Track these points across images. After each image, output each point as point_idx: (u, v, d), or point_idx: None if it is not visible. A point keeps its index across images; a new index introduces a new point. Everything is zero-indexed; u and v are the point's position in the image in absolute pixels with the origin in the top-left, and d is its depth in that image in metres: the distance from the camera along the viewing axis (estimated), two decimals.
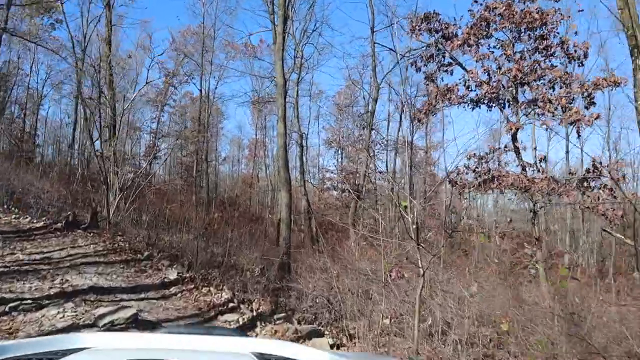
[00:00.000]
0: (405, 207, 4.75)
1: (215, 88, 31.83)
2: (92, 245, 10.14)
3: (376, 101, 16.01)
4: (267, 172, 39.65)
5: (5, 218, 11.25)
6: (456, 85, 8.56)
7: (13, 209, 11.85)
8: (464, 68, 8.93)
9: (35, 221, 11.25)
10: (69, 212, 11.65)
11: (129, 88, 14.26)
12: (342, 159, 36.53)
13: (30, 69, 34.98)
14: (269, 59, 23.49)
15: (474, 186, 7.28)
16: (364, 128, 23.16)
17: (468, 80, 8.97)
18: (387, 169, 24.73)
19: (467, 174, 8.25)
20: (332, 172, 31.30)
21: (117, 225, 12.38)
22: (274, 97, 20.94)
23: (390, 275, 5.49)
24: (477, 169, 8.00)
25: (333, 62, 71.08)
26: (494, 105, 8.57)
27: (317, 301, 6.47)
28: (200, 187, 28.38)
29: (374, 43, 15.70)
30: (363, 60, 20.13)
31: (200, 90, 25.35)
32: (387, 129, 15.78)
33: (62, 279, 7.66)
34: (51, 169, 21.33)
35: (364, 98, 22.98)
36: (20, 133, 30.03)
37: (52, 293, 6.97)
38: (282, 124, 13.47)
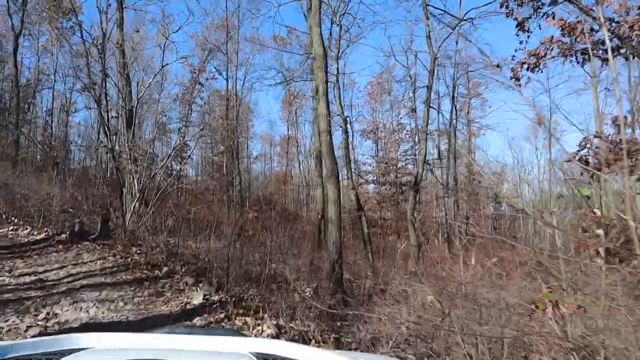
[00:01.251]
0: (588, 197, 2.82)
1: (243, 83, 30.25)
2: (99, 261, 8.28)
3: (433, 74, 13.63)
4: (301, 167, 38.55)
5: (1, 230, 9.52)
6: (579, 21, 6.21)
7: (13, 218, 10.11)
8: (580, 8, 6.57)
9: (35, 233, 9.49)
10: (76, 220, 9.84)
11: (144, 75, 12.29)
12: (377, 150, 34.66)
13: (54, 74, 34.71)
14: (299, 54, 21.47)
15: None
16: (413, 110, 20.86)
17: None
18: (439, 155, 22.27)
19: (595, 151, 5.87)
20: (369, 165, 28.82)
21: (133, 233, 10.53)
22: (303, 78, 19.10)
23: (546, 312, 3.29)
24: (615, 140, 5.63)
25: (372, 37, 66.46)
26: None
27: (411, 344, 4.30)
28: (233, 187, 26.72)
29: (426, 6, 13.34)
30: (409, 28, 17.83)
31: (227, 79, 23.46)
32: (427, 110, 13.30)
33: (48, 313, 5.79)
34: (71, 174, 19.91)
35: (410, 77, 20.62)
36: (48, 139, 29.60)
37: (28, 335, 5.06)
38: (323, 102, 11.32)
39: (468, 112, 27.53)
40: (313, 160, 40.16)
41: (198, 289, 7.49)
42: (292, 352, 1.73)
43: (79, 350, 1.58)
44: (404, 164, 30.84)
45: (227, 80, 24.04)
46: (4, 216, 10.18)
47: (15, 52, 26.80)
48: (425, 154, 13.32)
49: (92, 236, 9.60)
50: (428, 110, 13.40)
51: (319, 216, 23.48)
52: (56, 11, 36.63)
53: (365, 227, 13.96)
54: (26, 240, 9.15)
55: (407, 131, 30.91)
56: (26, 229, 9.64)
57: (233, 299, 7.30)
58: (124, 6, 15.51)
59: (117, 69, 13.50)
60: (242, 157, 31.36)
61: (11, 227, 9.62)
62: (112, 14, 13.64)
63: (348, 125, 15.47)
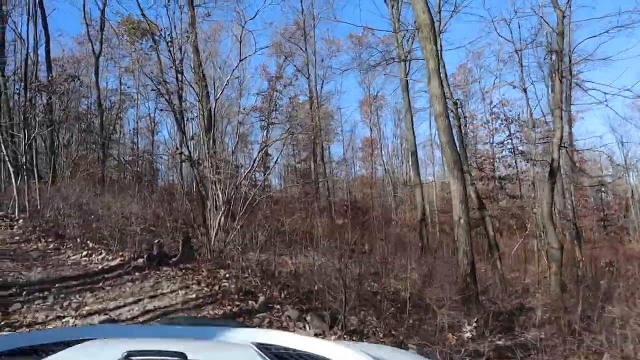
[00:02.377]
0: None
1: (321, 87, 28.90)
2: (181, 292, 6.76)
3: (562, 36, 11.04)
4: (385, 167, 37.07)
5: (74, 257, 8.36)
6: None
7: (88, 242, 8.94)
8: None
9: (110, 258, 8.21)
10: (155, 241, 8.47)
11: (220, 72, 10.89)
12: (464, 143, 31.97)
13: (137, 94, 35.67)
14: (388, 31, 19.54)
15: None
16: (524, 90, 18.11)
17: None
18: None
19: None
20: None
21: (221, 253, 9.03)
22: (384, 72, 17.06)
23: None
24: None
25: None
26: None
27: None
28: (319, 194, 25.25)
29: None
30: None
31: (307, 77, 21.96)
32: (560, 81, 10.66)
33: None
34: (155, 190, 19.21)
35: (517, 53, 17.89)
36: (134, 157, 30.22)
37: None
38: (435, 80, 9.27)
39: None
40: (401, 160, 38.20)
41: (306, 326, 5.72)
42: (293, 343, 1.75)
43: (81, 341, 1.58)
44: (500, 156, 28.14)
45: (307, 77, 22.48)
46: (78, 240, 9.05)
47: (97, 75, 27.19)
48: (562, 136, 10.75)
49: (173, 259, 8.17)
50: (561, 80, 10.84)
51: (420, 220, 21.37)
52: (135, 33, 37.39)
53: (490, 229, 11.66)
54: (99, 267, 7.87)
55: (501, 120, 28.20)
56: (100, 253, 8.41)
57: (353, 338, 5.47)
58: (194, 4, 14.43)
59: (191, 70, 12.29)
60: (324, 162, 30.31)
61: (85, 253, 8.42)
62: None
63: (460, 110, 13.09)
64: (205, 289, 6.96)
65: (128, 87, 35.43)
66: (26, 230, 9.41)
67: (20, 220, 9.85)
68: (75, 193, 10.51)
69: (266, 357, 1.49)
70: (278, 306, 6.86)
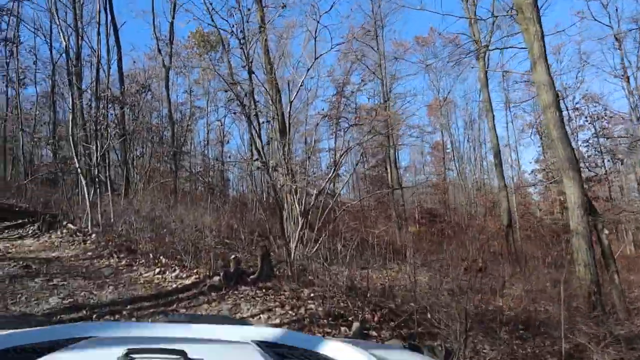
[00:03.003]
0: None
1: (389, 91, 27.79)
2: (262, 316, 5.97)
3: None
4: (458, 171, 36.12)
5: (147, 274, 7.79)
6: None
7: (160, 258, 8.38)
8: None
9: (184, 276, 7.57)
10: (231, 257, 7.76)
11: (295, 75, 10.14)
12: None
13: (207, 105, 36.48)
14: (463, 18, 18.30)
15: None
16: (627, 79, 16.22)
17: None
18: None
19: None
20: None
21: (303, 270, 8.21)
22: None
23: None
24: None
25: None
26: None
27: None
28: (394, 201, 24.12)
29: None
30: None
31: (381, 79, 20.92)
32: None
33: None
34: (227, 201, 18.85)
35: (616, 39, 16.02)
36: (205, 168, 30.67)
37: None
38: (541, 67, 8.06)
39: None
40: (474, 164, 36.30)
41: None
42: (294, 340, 1.74)
43: (80, 339, 1.58)
44: (585, 155, 25.99)
45: (381, 80, 21.46)
46: (151, 255, 8.51)
47: (167, 87, 27.57)
48: None
49: (251, 277, 7.40)
50: None
51: (506, 226, 19.86)
52: (204, 46, 38.07)
53: (604, 238, 10.12)
54: (173, 286, 7.24)
55: (585, 117, 25.95)
56: (174, 270, 7.79)
57: None
58: (263, 5, 13.84)
59: (263, 72, 11.66)
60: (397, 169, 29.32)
61: (158, 270, 7.84)
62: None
63: (562, 102, 11.63)
64: (290, 312, 6.12)
65: (198, 99, 36.20)
66: (98, 245, 9.02)
67: (93, 235, 9.51)
68: (148, 206, 10.07)
69: (267, 355, 1.48)
70: (374, 332, 5.92)
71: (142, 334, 1.80)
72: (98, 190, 10.56)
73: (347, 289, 7.27)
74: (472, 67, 21.32)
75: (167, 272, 7.77)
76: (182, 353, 1.29)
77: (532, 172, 33.16)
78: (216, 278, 7.19)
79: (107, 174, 11.09)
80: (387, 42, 28.36)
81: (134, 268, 8.10)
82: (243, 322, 3.78)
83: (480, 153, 36.52)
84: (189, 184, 25.08)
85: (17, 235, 10.16)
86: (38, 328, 1.82)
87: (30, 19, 34.59)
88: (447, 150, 37.32)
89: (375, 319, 6.55)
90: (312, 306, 6.43)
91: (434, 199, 35.27)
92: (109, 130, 11.14)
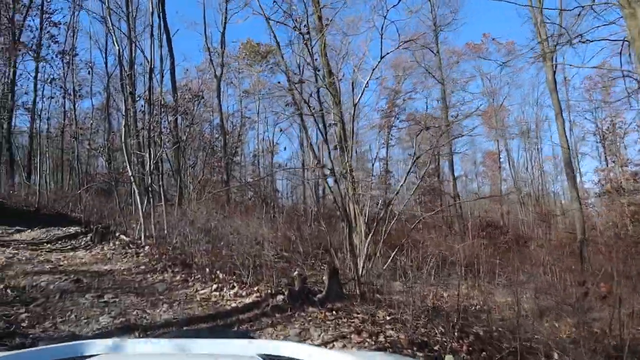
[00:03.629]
0: None
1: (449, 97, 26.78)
2: (337, 344, 5.16)
3: None
4: (515, 181, 34.86)
5: (203, 291, 7.16)
6: None
7: (217, 272, 7.75)
8: None
9: (244, 293, 6.88)
10: (295, 273, 7.03)
11: (358, 75, 9.40)
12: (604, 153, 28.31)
13: (257, 115, 36.82)
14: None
15: None
16: None
17: None
18: None
19: None
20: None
21: (376, 289, 7.39)
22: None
23: None
24: None
25: None
26: None
27: None
28: (455, 214, 22.95)
29: None
30: None
31: (442, 82, 19.92)
32: None
33: None
34: (281, 211, 18.26)
35: None
36: (256, 179, 30.82)
37: None
38: None
39: None
40: (531, 174, 34.49)
41: None
42: (299, 353, 1.73)
43: (88, 357, 1.59)
44: None
45: (442, 83, 20.44)
46: (207, 270, 7.89)
47: (219, 97, 27.57)
48: None
49: (318, 296, 6.62)
50: None
51: (579, 240, 18.53)
52: (255, 56, 38.27)
53: None
54: (232, 305, 6.55)
55: None
56: (232, 287, 7.12)
57: None
58: (320, 6, 13.20)
59: (323, 74, 10.96)
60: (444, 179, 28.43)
61: (215, 286, 7.19)
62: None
63: None
64: (368, 340, 5.29)
65: (248, 110, 36.31)
66: (152, 258, 8.49)
67: (146, 247, 9.00)
68: (203, 216, 9.51)
69: None
70: None
71: (147, 350, 1.81)
72: (152, 200, 10.09)
73: (427, 311, 6.39)
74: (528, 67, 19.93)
75: (225, 289, 7.11)
76: None
77: (598, 181, 31.11)
78: (280, 297, 6.46)
79: (161, 182, 10.62)
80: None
81: (190, 284, 7.49)
82: (248, 335, 4.03)
83: (539, 161, 34.83)
84: (239, 195, 24.83)
85: (69, 247, 9.82)
86: (44, 347, 1.88)
87: (86, 33, 35.68)
88: (501, 160, 36.10)
89: (464, 348, 5.64)
90: (392, 332, 5.59)
91: (488, 209, 33.82)
92: (162, 137, 10.71)
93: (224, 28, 28.71)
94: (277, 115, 38.04)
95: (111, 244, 9.47)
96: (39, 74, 21.05)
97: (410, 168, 8.72)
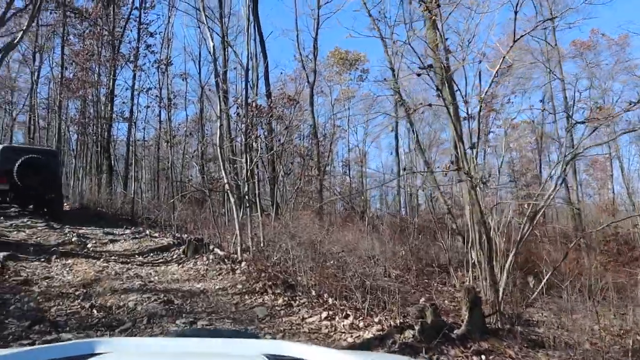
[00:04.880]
0: None
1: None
2: None
3: None
4: (629, 190, 30.23)
5: (311, 319, 6.08)
6: None
7: (326, 297, 6.60)
8: None
9: (361, 325, 5.69)
10: (422, 301, 5.71)
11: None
12: None
13: (347, 125, 36.49)
14: None
15: None
16: None
17: None
18: None
19: None
20: None
21: (523, 321, 5.90)
22: None
23: None
24: None
25: None
26: None
27: None
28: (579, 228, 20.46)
29: None
30: None
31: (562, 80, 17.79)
32: None
33: None
34: (380, 221, 16.95)
35: None
36: (348, 189, 30.58)
37: None
38: None
39: None
40: None
41: None
42: (304, 353, 1.72)
43: (96, 355, 1.56)
44: None
45: (563, 80, 18.24)
46: (313, 292, 6.76)
47: (312, 104, 26.94)
48: None
49: (456, 332, 5.23)
50: None
51: None
52: (343, 64, 37.51)
53: None
54: (348, 340, 5.35)
55: None
56: (346, 315, 5.92)
57: None
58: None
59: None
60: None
61: (324, 314, 6.03)
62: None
63: None
64: None
65: (339, 119, 35.76)
66: (249, 276, 7.49)
67: (243, 263, 8.03)
68: (303, 229, 8.43)
69: None
70: None
71: (154, 349, 1.79)
72: (248, 210, 9.17)
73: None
74: None
75: (337, 318, 5.92)
76: None
77: None
78: (409, 333, 5.15)
79: (257, 191, 9.69)
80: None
81: (294, 309, 6.38)
82: (254, 335, 3.99)
83: None
84: (329, 205, 23.90)
85: (161, 260, 9.13)
86: (50, 345, 1.87)
87: (181, 47, 36.74)
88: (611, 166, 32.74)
89: None
90: None
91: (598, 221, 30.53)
92: (259, 142, 9.83)
93: (317, 33, 28.12)
94: (367, 124, 37.37)
95: (205, 258, 8.62)
96: (136, 83, 21.32)
97: (565, 171, 7.03)
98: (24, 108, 30.82)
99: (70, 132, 27.10)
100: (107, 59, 21.22)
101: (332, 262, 7.38)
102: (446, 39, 8.22)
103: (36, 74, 26.79)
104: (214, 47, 9.98)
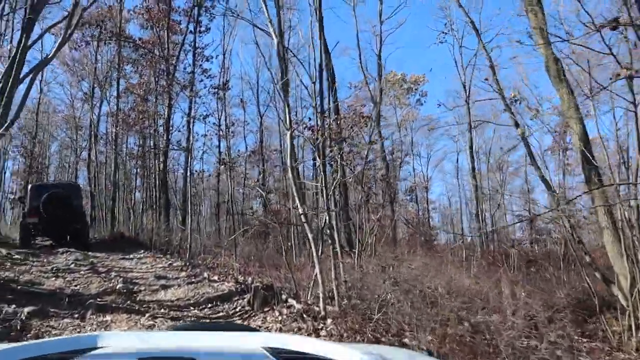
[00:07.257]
0: None
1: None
2: None
3: None
4: None
5: None
6: None
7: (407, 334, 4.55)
8: None
9: None
10: None
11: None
12: None
13: (411, 151, 35.42)
14: None
15: None
16: None
17: None
18: None
19: None
20: None
21: None
22: None
23: None
24: None
25: None
26: None
27: None
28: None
29: None
30: None
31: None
32: None
33: None
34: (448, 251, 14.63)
35: None
36: (414, 217, 29.08)
37: None
38: None
39: None
40: None
41: None
42: (304, 346, 1.71)
43: (91, 350, 1.57)
44: None
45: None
46: (381, 329, 4.71)
47: (378, 123, 25.36)
48: None
49: None
50: None
51: None
52: (401, 86, 35.78)
53: None
54: None
55: None
56: None
57: None
58: None
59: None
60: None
61: None
62: None
63: None
64: None
65: (402, 143, 34.33)
66: (341, 338, 5.52)
67: (329, 321, 6.05)
68: (412, 271, 6.43)
69: None
70: None
71: (152, 343, 1.77)
72: (332, 248, 7.25)
73: None
74: None
75: None
76: None
77: None
78: None
79: (336, 223, 7.78)
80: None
81: None
82: (253, 328, 4.19)
83: None
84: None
85: (222, 313, 7.29)
86: (48, 339, 1.96)
87: (237, 74, 36.19)
88: None
89: None
90: None
91: None
92: (337, 162, 8.01)
93: (380, 50, 26.44)
94: (430, 149, 35.76)
95: (277, 313, 6.69)
96: (192, 111, 20.26)
97: None
98: (86, 145, 30.70)
99: (131, 166, 26.62)
100: (164, 88, 20.30)
101: (453, 316, 5.31)
102: None
103: (97, 110, 26.48)
104: (278, 50, 8.36)
